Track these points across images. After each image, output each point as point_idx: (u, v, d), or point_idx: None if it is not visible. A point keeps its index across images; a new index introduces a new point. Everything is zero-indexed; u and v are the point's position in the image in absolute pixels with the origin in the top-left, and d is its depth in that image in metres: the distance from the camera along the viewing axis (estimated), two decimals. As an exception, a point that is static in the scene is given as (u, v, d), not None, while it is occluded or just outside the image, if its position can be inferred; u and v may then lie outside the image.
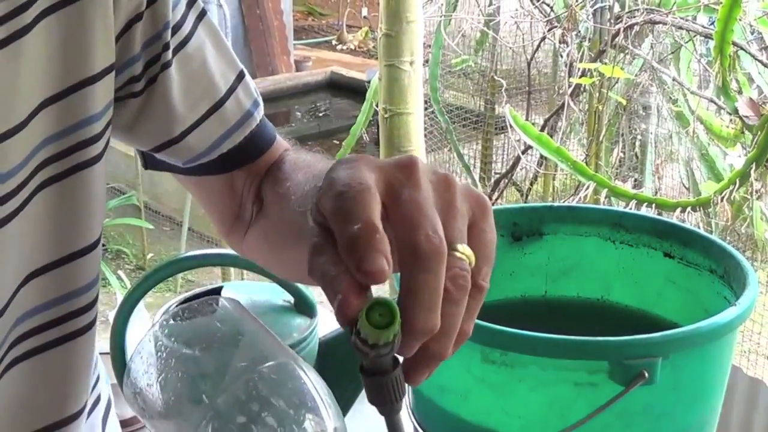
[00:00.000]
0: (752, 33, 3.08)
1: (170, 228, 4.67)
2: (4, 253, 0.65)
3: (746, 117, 2.63)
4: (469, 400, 0.80)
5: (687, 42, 3.19)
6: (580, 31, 3.36)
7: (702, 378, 0.79)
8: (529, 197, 3.83)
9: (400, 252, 0.48)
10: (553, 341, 0.74)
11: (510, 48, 3.96)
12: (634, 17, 3.16)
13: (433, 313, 0.48)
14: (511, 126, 2.81)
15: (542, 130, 3.07)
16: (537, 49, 3.73)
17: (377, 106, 2.95)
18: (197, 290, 1.03)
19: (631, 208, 2.59)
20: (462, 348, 0.77)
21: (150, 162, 0.81)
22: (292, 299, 1.07)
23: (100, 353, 0.82)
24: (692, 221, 2.67)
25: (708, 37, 3.02)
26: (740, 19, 2.66)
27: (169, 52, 0.72)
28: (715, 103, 2.91)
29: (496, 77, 3.92)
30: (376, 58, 2.98)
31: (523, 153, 3.42)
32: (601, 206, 2.21)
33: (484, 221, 0.52)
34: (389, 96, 2.60)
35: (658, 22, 3.11)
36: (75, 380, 0.73)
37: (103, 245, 0.74)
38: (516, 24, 3.90)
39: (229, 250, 1.01)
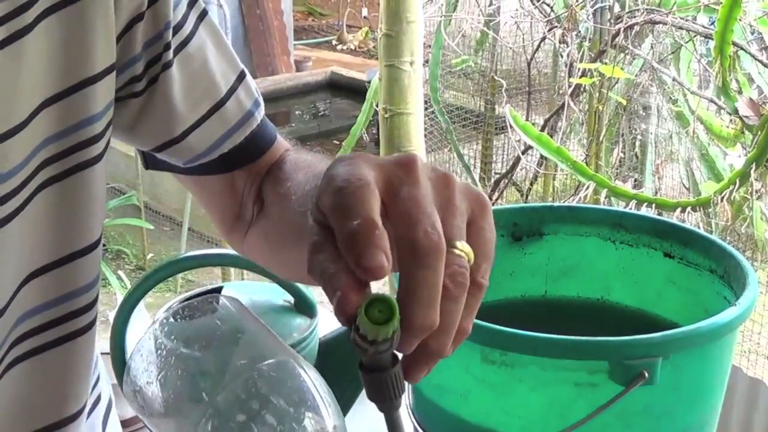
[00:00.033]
0: (752, 33, 3.08)
1: (170, 228, 4.67)
2: (4, 253, 0.65)
3: (746, 117, 2.63)
4: (469, 400, 0.80)
5: (687, 42, 3.19)
6: (580, 31, 3.36)
7: (702, 378, 0.79)
8: (529, 197, 3.83)
9: (399, 249, 0.48)
10: (553, 341, 0.74)
11: (510, 48, 3.96)
12: (635, 17, 3.16)
13: (432, 310, 0.48)
14: (511, 126, 2.81)
15: (542, 130, 3.07)
16: (537, 49, 3.73)
17: (377, 106, 2.95)
18: (197, 290, 1.03)
19: (631, 208, 2.59)
20: (462, 348, 0.77)
21: (151, 162, 0.81)
22: (292, 299, 1.07)
23: (101, 353, 0.82)
24: (692, 221, 2.67)
25: (708, 37, 3.02)
26: (740, 19, 2.66)
27: (170, 52, 0.72)
28: (715, 104, 2.91)
29: (496, 77, 3.92)
30: (377, 59, 2.98)
31: (523, 153, 3.42)
32: (601, 206, 2.21)
33: (483, 219, 0.52)
34: (389, 96, 2.59)
35: (659, 22, 3.11)
36: (75, 380, 0.73)
37: (103, 245, 0.74)
38: (516, 24, 3.90)
39: (229, 250, 1.01)
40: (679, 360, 0.75)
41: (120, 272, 3.55)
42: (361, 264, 0.47)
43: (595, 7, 3.32)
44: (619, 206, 2.70)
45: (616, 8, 3.22)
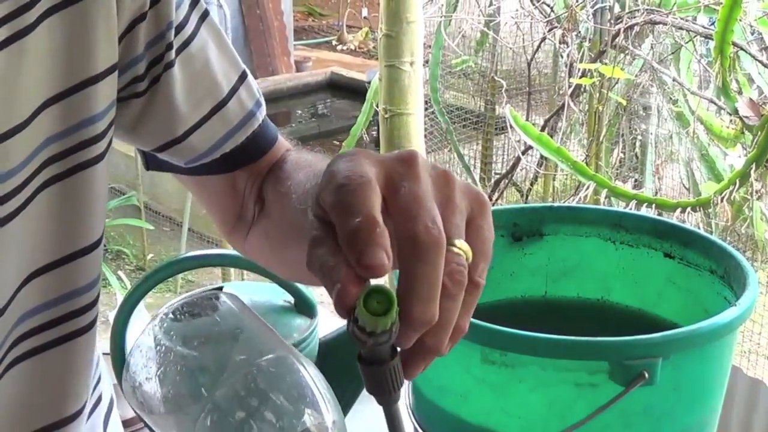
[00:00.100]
0: (752, 33, 3.08)
1: (170, 228, 4.67)
2: (5, 252, 0.65)
3: (746, 117, 2.63)
4: (470, 401, 0.80)
5: (687, 42, 3.19)
6: (580, 32, 3.36)
7: (702, 378, 0.79)
8: (529, 198, 3.83)
9: (399, 243, 0.49)
10: (554, 342, 0.74)
11: (510, 48, 3.96)
12: (635, 18, 3.16)
13: (431, 304, 0.48)
14: (511, 126, 2.81)
15: (542, 130, 3.07)
16: (537, 49, 3.74)
17: (377, 106, 2.95)
18: (197, 291, 1.03)
19: (631, 209, 2.59)
20: (462, 348, 0.77)
21: (152, 162, 0.81)
22: (292, 299, 1.07)
23: (102, 353, 0.82)
24: (692, 221, 2.67)
25: (708, 37, 3.02)
26: (740, 20, 2.66)
27: (172, 52, 0.72)
28: (716, 104, 2.91)
29: (496, 78, 3.92)
30: (377, 59, 2.98)
31: (523, 153, 3.42)
32: (601, 207, 2.20)
33: (482, 218, 0.53)
34: (389, 96, 2.59)
35: (659, 23, 3.11)
36: (75, 380, 0.73)
37: (104, 245, 0.74)
38: (516, 24, 3.90)
39: (229, 251, 1.01)
40: (679, 360, 0.75)
41: (120, 272, 3.55)
42: (362, 262, 0.47)
43: (595, 8, 3.32)
44: (619, 206, 2.70)
45: (616, 8, 3.22)
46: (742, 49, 2.81)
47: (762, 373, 2.84)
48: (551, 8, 3.57)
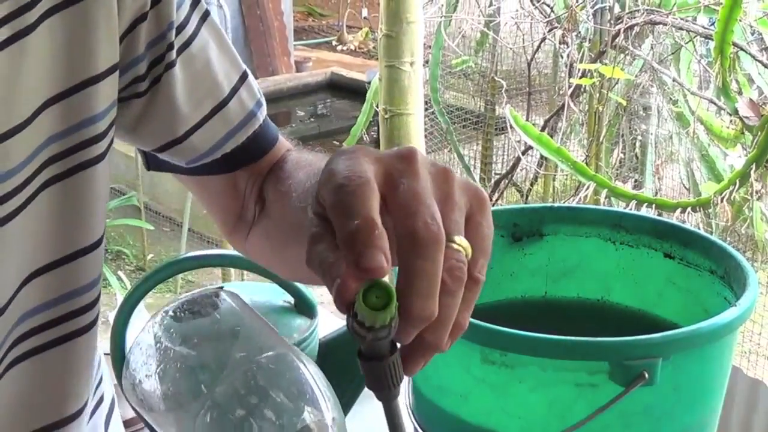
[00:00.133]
0: (752, 34, 3.08)
1: (170, 229, 4.67)
2: (5, 251, 0.65)
3: (746, 118, 2.63)
4: (470, 401, 0.80)
5: (687, 43, 3.19)
6: (580, 32, 3.36)
7: (702, 379, 0.79)
8: (530, 198, 3.83)
9: (399, 240, 0.49)
10: (554, 342, 0.74)
11: (510, 49, 3.96)
12: (635, 18, 3.16)
13: (431, 300, 0.48)
14: (511, 127, 2.81)
15: (542, 130, 3.07)
16: (537, 49, 3.74)
17: (377, 106, 2.95)
18: (197, 291, 1.03)
19: (631, 209, 2.59)
20: (462, 349, 0.77)
21: (152, 163, 0.81)
22: (292, 300, 1.07)
23: (103, 354, 0.82)
24: (692, 222, 2.67)
25: (708, 37, 3.02)
26: (740, 20, 2.66)
27: (173, 52, 0.72)
28: (716, 104, 2.91)
29: (496, 78, 3.92)
30: (377, 59, 2.98)
31: (523, 154, 3.42)
32: (602, 207, 2.21)
33: (481, 215, 0.53)
34: (389, 97, 2.60)
35: (659, 23, 3.12)
36: (76, 379, 0.73)
37: (104, 245, 0.75)
38: (516, 25, 3.90)
39: (229, 251, 1.01)
40: (679, 360, 0.75)
41: (120, 273, 3.55)
42: (361, 264, 0.47)
43: (595, 8, 3.32)
44: (619, 207, 2.70)
45: (617, 9, 3.22)
46: (742, 49, 2.81)
47: (762, 374, 2.84)
48: (551, 8, 3.57)
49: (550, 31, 3.53)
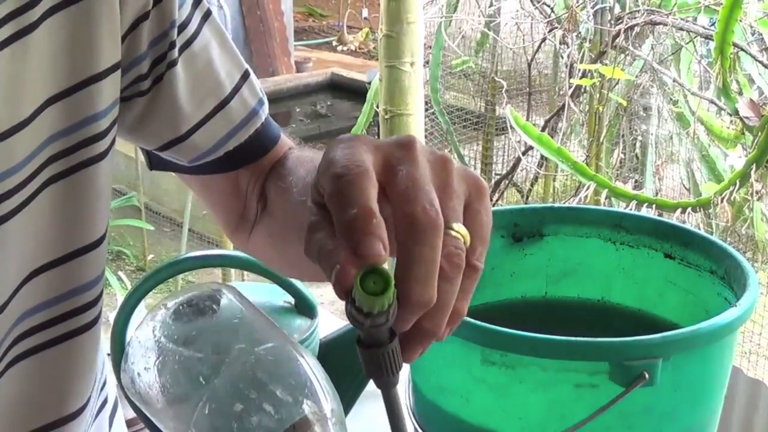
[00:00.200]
0: (753, 34, 3.09)
1: (171, 229, 4.67)
2: (5, 249, 0.65)
3: (747, 118, 2.63)
4: (470, 402, 0.80)
5: (687, 43, 3.19)
6: (580, 32, 3.36)
7: (702, 379, 0.79)
8: (530, 198, 3.83)
9: (397, 226, 0.49)
10: (554, 342, 0.74)
11: (510, 49, 3.97)
12: (635, 18, 3.16)
13: (429, 286, 0.48)
14: (511, 127, 2.81)
15: (542, 131, 3.07)
16: (537, 50, 3.74)
17: (378, 107, 2.95)
18: (196, 284, 1.03)
19: (631, 209, 2.59)
20: (462, 349, 0.77)
21: (155, 162, 0.81)
22: (292, 300, 1.07)
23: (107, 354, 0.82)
24: (693, 222, 2.67)
25: (708, 38, 3.02)
26: (741, 20, 2.66)
27: (175, 51, 0.72)
28: (716, 104, 2.91)
29: (496, 78, 3.93)
30: (377, 60, 2.98)
31: (523, 154, 3.42)
32: (602, 207, 2.21)
33: (480, 203, 0.53)
34: (390, 97, 2.60)
35: (659, 23, 3.12)
36: (78, 378, 0.73)
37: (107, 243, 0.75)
38: (516, 25, 3.90)
39: (229, 251, 1.01)
40: (679, 361, 0.75)
41: (120, 273, 3.55)
42: (359, 252, 0.47)
43: (596, 8, 3.32)
44: (619, 207, 2.70)
45: (617, 9, 3.22)
46: (742, 49, 2.82)
47: (762, 374, 2.84)
48: (551, 9, 3.57)
49: (550, 31, 3.53)
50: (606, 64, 3.15)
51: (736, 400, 1.29)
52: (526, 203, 3.71)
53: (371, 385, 0.96)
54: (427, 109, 3.32)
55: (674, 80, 3.19)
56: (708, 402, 0.81)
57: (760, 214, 2.79)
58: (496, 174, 4.00)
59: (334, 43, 8.72)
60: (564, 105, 3.17)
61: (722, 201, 2.59)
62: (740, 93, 2.82)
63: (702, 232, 0.94)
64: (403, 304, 0.48)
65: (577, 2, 3.32)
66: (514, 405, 0.78)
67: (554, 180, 3.74)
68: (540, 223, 0.96)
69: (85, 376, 0.74)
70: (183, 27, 0.73)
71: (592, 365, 0.74)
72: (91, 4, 0.66)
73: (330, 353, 1.06)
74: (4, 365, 0.68)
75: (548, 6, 3.60)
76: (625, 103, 3.40)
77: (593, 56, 3.26)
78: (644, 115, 3.58)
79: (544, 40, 3.67)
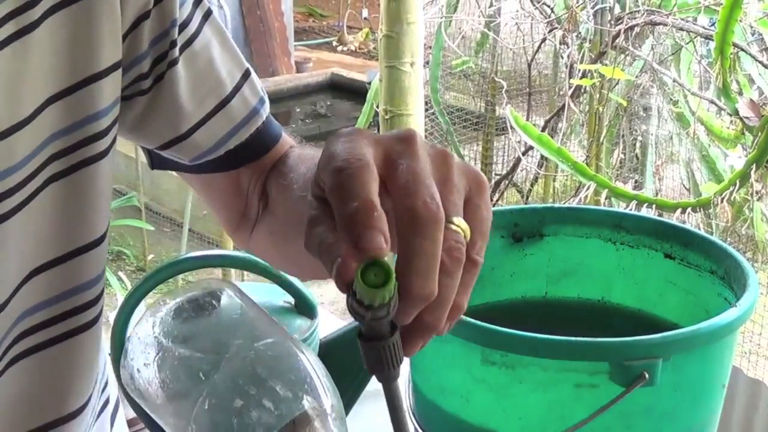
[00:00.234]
0: (753, 34, 3.09)
1: (171, 229, 4.67)
2: (6, 248, 0.65)
3: (747, 118, 2.63)
4: (470, 402, 0.80)
5: (687, 43, 3.19)
6: (580, 33, 3.36)
7: (703, 379, 0.79)
8: (530, 198, 3.83)
9: (398, 219, 0.49)
10: (554, 342, 0.74)
11: (510, 49, 3.97)
12: (635, 18, 3.16)
13: (430, 279, 0.48)
14: (511, 127, 2.81)
15: (543, 131, 3.07)
16: (537, 50, 3.74)
17: (378, 107, 2.95)
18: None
19: (631, 209, 2.59)
20: (462, 349, 0.77)
21: (156, 161, 0.82)
22: (292, 300, 1.07)
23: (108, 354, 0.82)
24: (693, 222, 2.67)
25: (708, 38, 3.02)
26: (741, 21, 2.66)
27: (176, 50, 0.73)
28: (716, 105, 2.91)
29: (496, 78, 3.93)
30: (377, 60, 2.98)
31: (523, 154, 3.43)
32: (602, 207, 2.21)
33: (480, 197, 0.53)
34: (390, 97, 2.60)
35: (659, 24, 3.12)
36: (78, 376, 0.73)
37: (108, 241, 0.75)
38: (516, 25, 3.90)
39: (229, 251, 1.01)
40: (679, 361, 0.75)
41: (120, 273, 3.55)
42: (360, 245, 0.47)
43: (596, 9, 3.32)
44: (619, 207, 2.70)
45: (617, 9, 3.23)
46: (742, 49, 2.82)
47: (762, 374, 2.84)
48: (551, 9, 3.57)
49: (550, 31, 3.54)
50: (606, 65, 3.15)
51: (736, 400, 1.30)
52: (526, 203, 3.71)
53: (371, 385, 0.96)
54: (427, 110, 3.32)
55: (674, 80, 3.19)
56: (708, 402, 0.81)
57: (760, 214, 2.79)
58: (496, 174, 4.00)
59: (334, 44, 8.72)
60: (564, 105, 3.18)
61: (722, 201, 2.60)
62: (740, 93, 2.82)
63: (702, 232, 0.94)
64: (404, 298, 0.48)
65: (577, 2, 3.32)
66: (514, 405, 0.78)
67: (554, 180, 3.74)
68: (540, 223, 0.96)
69: (85, 375, 0.74)
70: (184, 26, 0.73)
71: (592, 365, 0.74)
72: (91, 3, 0.66)
73: (330, 353, 1.06)
74: (4, 364, 0.68)
75: (548, 6, 3.60)
76: (625, 104, 3.40)
77: (593, 56, 3.26)
78: (644, 115, 3.59)
79: (544, 40, 3.68)
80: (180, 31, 0.73)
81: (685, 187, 3.35)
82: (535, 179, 3.84)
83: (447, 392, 0.82)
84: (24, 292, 0.67)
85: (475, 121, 4.20)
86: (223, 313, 0.62)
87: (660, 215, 2.56)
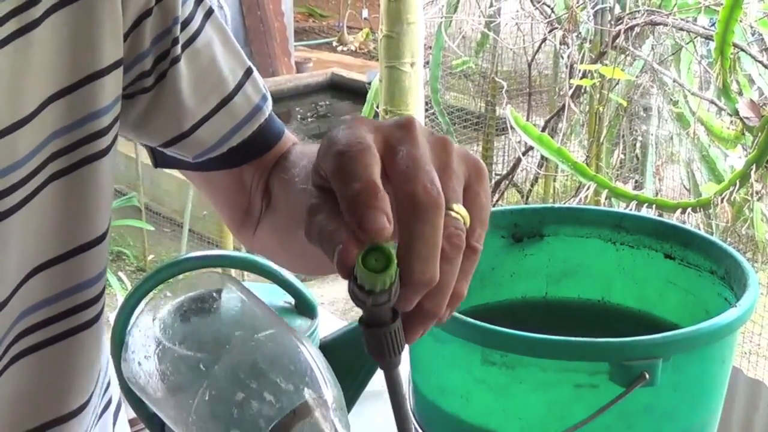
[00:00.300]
0: (753, 34, 3.09)
1: (171, 229, 4.67)
2: (7, 245, 0.65)
3: (747, 118, 2.63)
4: (470, 402, 0.80)
5: (688, 43, 3.19)
6: (580, 33, 3.36)
7: (703, 379, 0.79)
8: (530, 198, 3.83)
9: (399, 205, 0.49)
10: (554, 343, 0.74)
11: (511, 49, 3.97)
12: (635, 18, 3.17)
13: (431, 264, 0.48)
14: (512, 127, 2.81)
15: (543, 131, 3.07)
16: (538, 50, 3.74)
17: (378, 107, 2.95)
18: (195, 272, 1.03)
19: (631, 210, 2.59)
20: (462, 349, 0.77)
21: (160, 160, 0.82)
22: (292, 300, 1.07)
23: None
24: (693, 222, 2.67)
25: (709, 38, 3.02)
26: (741, 21, 2.66)
27: (178, 47, 0.73)
28: (716, 105, 2.91)
29: (496, 79, 3.93)
30: (377, 60, 2.98)
31: (523, 154, 3.43)
32: (602, 207, 2.21)
33: (479, 185, 0.53)
34: (390, 97, 2.60)
35: (659, 24, 3.12)
36: (79, 376, 0.73)
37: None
38: (517, 25, 3.90)
39: (229, 251, 1.01)
40: (679, 361, 0.75)
41: (120, 273, 3.55)
42: (363, 226, 0.47)
43: (596, 9, 3.32)
44: (619, 207, 2.70)
45: (617, 9, 3.23)
46: (742, 50, 2.82)
47: (762, 374, 2.84)
48: (552, 9, 3.57)
49: (550, 31, 3.54)
50: (606, 65, 3.15)
51: (736, 401, 1.30)
52: (526, 203, 3.71)
53: (372, 385, 0.96)
54: (427, 110, 3.32)
55: (674, 80, 3.19)
56: (708, 402, 0.81)
57: (760, 214, 2.79)
58: (496, 174, 4.00)
59: (335, 44, 8.72)
60: (564, 105, 3.18)
61: (722, 201, 2.60)
62: (740, 93, 2.82)
63: (702, 232, 0.94)
64: (405, 283, 0.48)
65: (578, 3, 3.32)
66: (514, 405, 0.78)
67: (554, 180, 3.74)
68: (540, 224, 0.96)
69: (86, 374, 0.74)
70: (186, 24, 0.73)
71: (592, 365, 0.74)
72: (93, 1, 0.66)
73: (330, 353, 1.05)
74: (4, 363, 0.68)
75: (548, 6, 3.60)
76: (625, 104, 3.41)
77: (593, 57, 3.26)
78: (644, 115, 3.59)
79: (544, 40, 3.68)
80: (182, 29, 0.73)
81: (685, 188, 3.35)
82: (535, 179, 3.84)
83: (447, 392, 0.82)
84: (25, 290, 0.67)
85: (475, 121, 4.21)
86: (223, 304, 0.62)
87: (660, 215, 2.56)
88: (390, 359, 0.51)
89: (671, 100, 3.30)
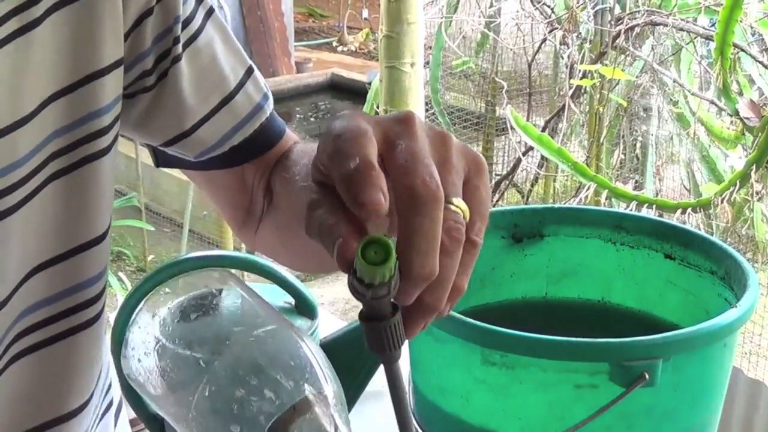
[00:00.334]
0: (753, 35, 3.09)
1: (171, 230, 4.68)
2: (8, 244, 0.65)
3: (747, 118, 2.63)
4: (470, 402, 0.80)
5: (688, 44, 3.19)
6: (580, 33, 3.36)
7: (703, 379, 0.79)
8: (530, 199, 3.83)
9: (398, 199, 0.49)
10: (554, 343, 0.74)
11: (511, 50, 3.97)
12: (635, 19, 3.17)
13: (430, 258, 0.48)
14: (512, 127, 2.82)
15: (543, 131, 3.07)
16: (538, 50, 3.74)
17: (378, 107, 2.95)
18: (195, 271, 1.03)
19: (631, 210, 2.59)
20: (462, 349, 0.77)
21: (161, 159, 0.82)
22: (292, 300, 1.07)
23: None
24: (693, 223, 2.67)
25: (709, 38, 3.02)
26: (741, 21, 2.66)
27: (180, 46, 0.73)
28: (716, 105, 2.91)
29: (496, 79, 3.93)
30: (377, 60, 2.98)
31: (523, 155, 3.43)
32: (602, 208, 2.21)
33: (479, 179, 0.53)
34: (390, 97, 2.60)
35: (659, 24, 3.12)
36: (79, 375, 0.73)
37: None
38: (517, 25, 3.90)
39: (229, 252, 1.01)
40: (679, 361, 0.75)
41: (121, 274, 3.55)
42: (359, 200, 0.47)
43: (596, 9, 3.32)
44: (619, 208, 2.70)
45: (617, 10, 3.23)
46: (742, 50, 2.82)
47: (763, 375, 2.84)
48: (552, 9, 3.58)
49: (550, 32, 3.54)
50: (606, 65, 3.15)
51: (736, 401, 1.30)
52: (526, 204, 3.71)
53: (372, 385, 0.96)
54: (427, 110, 3.32)
55: (674, 81, 3.19)
56: (708, 402, 0.81)
57: (760, 214, 2.79)
58: (496, 174, 4.00)
59: (335, 44, 8.72)
60: (564, 105, 3.18)
61: (722, 201, 2.60)
62: (740, 93, 2.82)
63: (702, 232, 0.94)
64: (405, 277, 0.48)
65: (578, 3, 3.32)
66: (514, 405, 0.78)
67: (554, 180, 3.74)
68: (540, 224, 0.96)
69: (86, 373, 0.74)
70: (187, 23, 0.73)
71: (592, 366, 0.74)
72: (93, 1, 0.66)
73: (330, 353, 1.05)
74: (4, 362, 0.68)
75: (548, 7, 3.60)
76: (625, 104, 3.41)
77: (593, 57, 3.26)
78: (644, 115, 3.59)
79: (544, 40, 3.68)
80: (183, 28, 0.73)
81: (686, 188, 3.35)
82: (536, 180, 3.84)
83: (447, 392, 0.82)
84: (25, 289, 0.67)
85: (475, 121, 4.21)
86: (223, 301, 0.62)
87: (660, 216, 2.56)
88: (390, 353, 0.51)
89: (671, 100, 3.30)
